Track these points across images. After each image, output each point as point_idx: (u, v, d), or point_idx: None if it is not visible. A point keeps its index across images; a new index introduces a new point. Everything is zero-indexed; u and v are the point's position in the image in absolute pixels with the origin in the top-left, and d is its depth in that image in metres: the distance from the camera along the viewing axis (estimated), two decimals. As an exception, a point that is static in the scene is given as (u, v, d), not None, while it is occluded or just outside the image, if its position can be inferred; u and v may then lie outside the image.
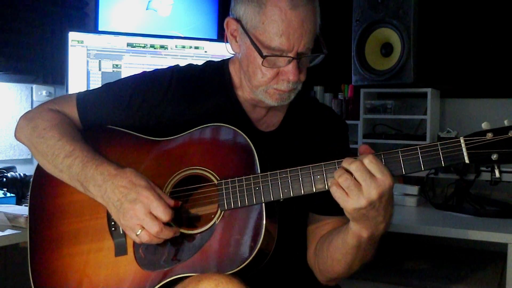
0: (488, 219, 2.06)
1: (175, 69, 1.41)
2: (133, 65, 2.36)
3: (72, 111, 1.41)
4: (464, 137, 1.10)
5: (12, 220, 1.73)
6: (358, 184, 1.08)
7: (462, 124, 2.78)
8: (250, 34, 1.25)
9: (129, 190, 1.20)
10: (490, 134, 1.08)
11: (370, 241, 1.20)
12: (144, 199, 1.18)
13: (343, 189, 1.10)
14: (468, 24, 2.73)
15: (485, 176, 2.26)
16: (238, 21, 1.28)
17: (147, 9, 2.65)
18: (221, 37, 2.75)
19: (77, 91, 1.49)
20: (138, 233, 1.19)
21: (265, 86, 1.28)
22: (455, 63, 2.75)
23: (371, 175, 1.08)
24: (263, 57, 1.22)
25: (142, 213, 1.18)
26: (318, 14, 1.27)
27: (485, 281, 2.08)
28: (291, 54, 1.23)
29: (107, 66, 2.33)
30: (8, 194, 1.98)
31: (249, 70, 1.29)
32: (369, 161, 1.09)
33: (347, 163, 1.10)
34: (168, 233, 1.20)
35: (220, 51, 2.47)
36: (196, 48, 2.45)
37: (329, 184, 1.15)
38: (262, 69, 1.26)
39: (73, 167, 1.27)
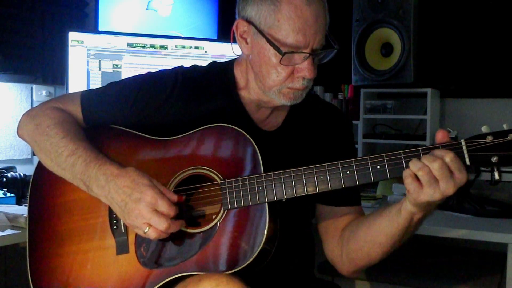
0: (488, 219, 2.06)
1: (180, 70, 1.42)
2: (133, 65, 2.36)
3: (76, 110, 1.41)
4: (465, 139, 1.12)
5: (12, 220, 1.73)
6: (436, 179, 1.09)
7: (462, 124, 2.78)
8: (265, 33, 1.25)
9: (132, 189, 1.20)
10: (490, 137, 1.11)
11: (421, 220, 1.22)
12: (147, 198, 1.19)
13: (419, 181, 1.10)
14: (468, 24, 2.73)
15: (485, 176, 2.25)
16: (250, 22, 1.28)
17: (147, 9, 2.65)
18: (221, 37, 2.75)
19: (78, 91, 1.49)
20: (146, 231, 1.19)
21: (280, 86, 1.28)
22: (455, 63, 2.75)
23: (451, 172, 1.09)
24: (282, 54, 1.22)
25: (147, 211, 1.18)
26: (327, 11, 1.29)
27: (485, 281, 2.08)
28: (306, 50, 1.24)
29: (107, 66, 2.33)
30: (8, 194, 1.98)
31: (262, 71, 1.29)
32: (450, 159, 1.09)
33: (428, 160, 1.09)
34: (175, 227, 1.21)
35: (220, 51, 2.47)
36: (196, 48, 2.45)
37: (404, 174, 1.13)
38: (278, 68, 1.26)
39: (76, 166, 1.27)
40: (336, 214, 1.40)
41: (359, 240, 1.31)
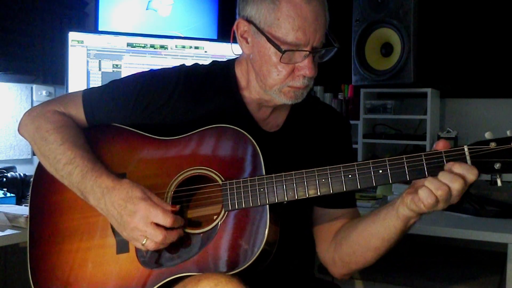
0: (488, 219, 2.06)
1: (182, 69, 1.42)
2: (133, 65, 2.36)
3: (78, 111, 1.41)
4: (468, 145, 1.11)
5: (12, 220, 1.73)
6: (451, 196, 1.09)
7: (462, 124, 2.78)
8: (265, 32, 1.25)
9: (126, 202, 1.21)
10: (493, 144, 1.10)
11: (415, 223, 1.22)
12: (141, 210, 1.19)
13: (438, 201, 1.09)
14: (468, 24, 2.73)
15: (485, 176, 2.25)
16: (250, 21, 1.28)
17: (147, 9, 2.65)
18: (221, 37, 2.75)
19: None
20: (143, 242, 1.20)
21: (280, 84, 1.28)
22: (455, 63, 2.76)
23: (465, 188, 1.09)
24: (282, 52, 1.23)
25: (143, 224, 1.19)
26: (327, 10, 1.28)
27: (485, 281, 2.08)
28: (307, 49, 1.24)
29: (107, 66, 2.33)
30: (8, 194, 1.98)
31: (263, 70, 1.29)
32: (474, 177, 1.08)
33: (452, 182, 1.07)
34: (173, 237, 1.21)
35: (220, 51, 2.47)
36: (196, 48, 2.45)
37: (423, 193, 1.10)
38: (278, 67, 1.26)
39: (73, 175, 1.28)
40: (330, 216, 1.40)
41: (353, 244, 1.31)
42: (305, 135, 1.41)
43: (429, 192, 1.09)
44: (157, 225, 1.19)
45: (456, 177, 1.08)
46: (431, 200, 1.09)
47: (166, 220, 1.18)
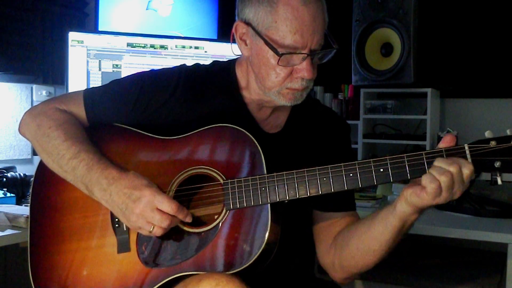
0: (488, 219, 2.06)
1: (182, 69, 1.42)
2: (133, 65, 2.36)
3: (79, 110, 1.41)
4: (468, 144, 1.12)
5: (12, 220, 1.73)
6: (453, 185, 1.10)
7: (462, 124, 2.79)
8: (262, 35, 1.25)
9: (131, 190, 1.21)
10: (493, 142, 1.11)
11: (413, 224, 1.23)
12: (147, 196, 1.20)
13: (441, 187, 1.10)
14: (468, 24, 2.74)
15: (485, 176, 2.25)
16: (248, 24, 1.28)
17: (147, 9, 2.65)
18: (221, 37, 2.75)
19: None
20: (151, 229, 1.20)
21: (279, 86, 1.28)
22: (455, 63, 2.76)
23: (463, 180, 1.10)
24: (280, 55, 1.22)
25: (148, 210, 1.19)
26: (326, 11, 1.28)
27: (485, 281, 2.08)
28: (305, 51, 1.24)
29: (107, 66, 2.33)
30: (8, 194, 1.98)
31: (262, 72, 1.29)
32: (468, 171, 1.09)
33: (447, 164, 1.09)
34: (179, 220, 1.22)
35: (220, 51, 2.47)
36: (196, 48, 2.45)
37: (425, 180, 1.11)
38: (276, 69, 1.26)
39: (78, 169, 1.28)
40: (329, 219, 1.39)
41: (352, 249, 1.31)
42: (305, 137, 1.41)
43: (432, 177, 1.09)
44: (162, 212, 1.19)
45: (451, 162, 1.09)
46: (435, 185, 1.09)
47: (171, 206, 1.19)
